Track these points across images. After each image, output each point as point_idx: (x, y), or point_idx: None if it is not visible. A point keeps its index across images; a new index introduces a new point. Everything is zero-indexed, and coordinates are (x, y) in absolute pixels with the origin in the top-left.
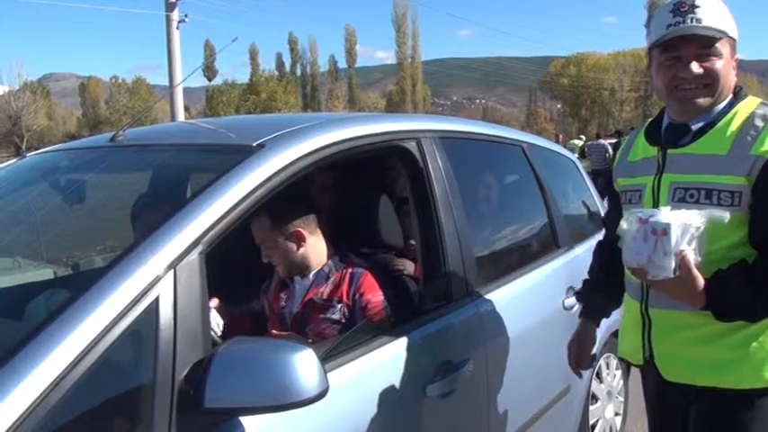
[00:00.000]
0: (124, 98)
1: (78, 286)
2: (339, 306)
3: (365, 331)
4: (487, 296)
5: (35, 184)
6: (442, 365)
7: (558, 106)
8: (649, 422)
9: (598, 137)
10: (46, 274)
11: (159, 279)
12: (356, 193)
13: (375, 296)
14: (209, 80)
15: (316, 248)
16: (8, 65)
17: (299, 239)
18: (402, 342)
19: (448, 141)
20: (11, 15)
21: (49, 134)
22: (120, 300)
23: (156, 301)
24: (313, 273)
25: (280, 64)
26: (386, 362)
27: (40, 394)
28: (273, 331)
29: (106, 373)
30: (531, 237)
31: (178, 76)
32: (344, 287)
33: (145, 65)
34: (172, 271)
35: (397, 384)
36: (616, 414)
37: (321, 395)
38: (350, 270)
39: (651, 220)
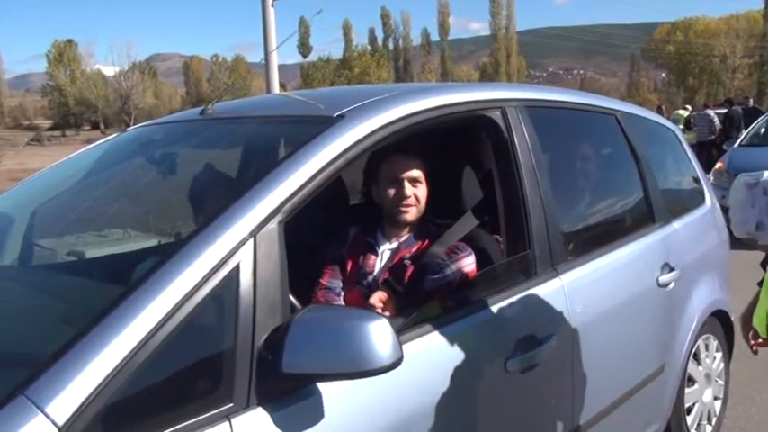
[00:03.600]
0: (224, 76)
1: (165, 253)
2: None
3: (443, 302)
4: (574, 271)
5: (132, 158)
6: (523, 340)
7: (663, 75)
8: None
9: (706, 106)
10: (152, 244)
11: (240, 246)
12: (440, 164)
13: (468, 257)
14: (305, 57)
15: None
16: (118, 46)
17: (429, 189)
18: (482, 314)
19: (534, 111)
20: None
21: (155, 112)
22: (203, 266)
23: (237, 268)
24: (406, 233)
25: (372, 39)
26: (464, 334)
27: (128, 353)
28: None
29: (189, 337)
30: (624, 211)
31: (273, 54)
32: (428, 245)
33: (243, 43)
34: (252, 239)
35: (476, 357)
36: (715, 398)
37: (395, 364)
38: (433, 233)
39: (762, 179)
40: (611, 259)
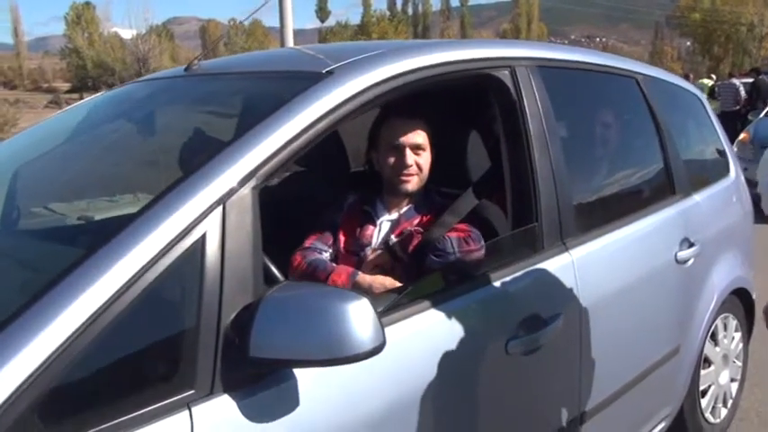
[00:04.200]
0: (241, 40)
1: (120, 222)
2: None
3: (439, 279)
4: (585, 246)
5: (111, 118)
6: (528, 320)
7: (688, 44)
8: None
9: (731, 76)
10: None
11: (206, 215)
12: (444, 128)
13: (478, 251)
14: (322, 22)
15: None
16: (135, 9)
17: (433, 156)
18: (483, 292)
19: (547, 71)
20: None
21: None
22: (163, 236)
23: (203, 238)
24: (407, 204)
25: (392, 4)
26: (462, 312)
27: (72, 334)
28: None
29: (145, 315)
30: (642, 182)
31: (288, 17)
32: (431, 219)
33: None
34: (221, 206)
35: (475, 338)
36: (732, 380)
37: (376, 350)
38: (437, 202)
39: None
40: (625, 233)
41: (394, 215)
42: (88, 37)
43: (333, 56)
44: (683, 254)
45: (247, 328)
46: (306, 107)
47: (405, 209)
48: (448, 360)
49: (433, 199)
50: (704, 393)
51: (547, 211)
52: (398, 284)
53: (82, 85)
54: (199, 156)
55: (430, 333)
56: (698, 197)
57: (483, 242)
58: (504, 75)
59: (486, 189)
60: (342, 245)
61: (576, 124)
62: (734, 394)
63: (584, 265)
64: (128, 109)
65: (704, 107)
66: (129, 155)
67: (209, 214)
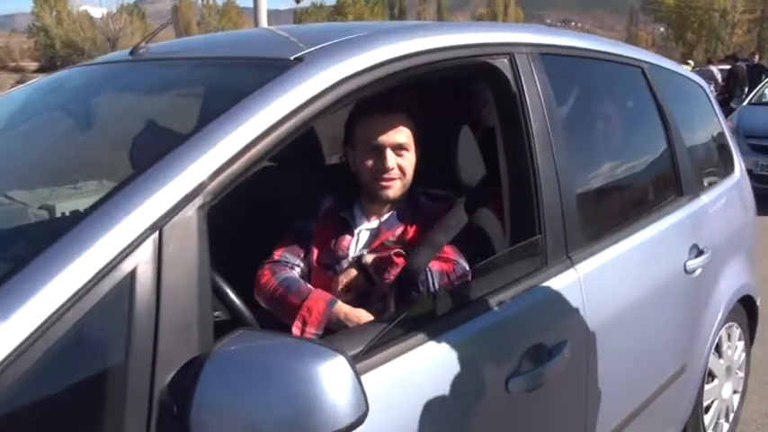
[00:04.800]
0: (215, 20)
1: (18, 261)
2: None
3: (426, 309)
4: (592, 260)
5: (44, 107)
6: (530, 351)
7: (662, 30)
8: None
9: (709, 62)
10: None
11: (136, 245)
12: (431, 123)
13: (454, 261)
14: (297, 2)
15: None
16: None
17: (418, 156)
18: (477, 323)
19: (551, 59)
20: None
21: None
22: (75, 276)
23: (131, 276)
24: (388, 210)
25: None
26: (455, 350)
27: None
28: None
29: (54, 379)
30: (649, 183)
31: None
32: (417, 228)
33: None
34: (156, 233)
35: (470, 380)
36: (734, 392)
37: (356, 424)
38: (425, 210)
39: None
40: (633, 243)
41: (374, 223)
42: (57, 15)
43: (305, 39)
44: (692, 263)
45: (189, 393)
46: (267, 104)
47: (386, 216)
48: (440, 407)
49: (418, 204)
50: (707, 409)
51: (551, 221)
52: (372, 319)
53: (50, 65)
54: (127, 168)
55: (418, 376)
56: (706, 198)
57: (469, 273)
58: (503, 63)
59: (481, 195)
60: (315, 257)
61: (582, 119)
62: (735, 407)
63: (592, 282)
64: (56, 101)
65: (709, 99)
66: (41, 161)
67: (141, 244)
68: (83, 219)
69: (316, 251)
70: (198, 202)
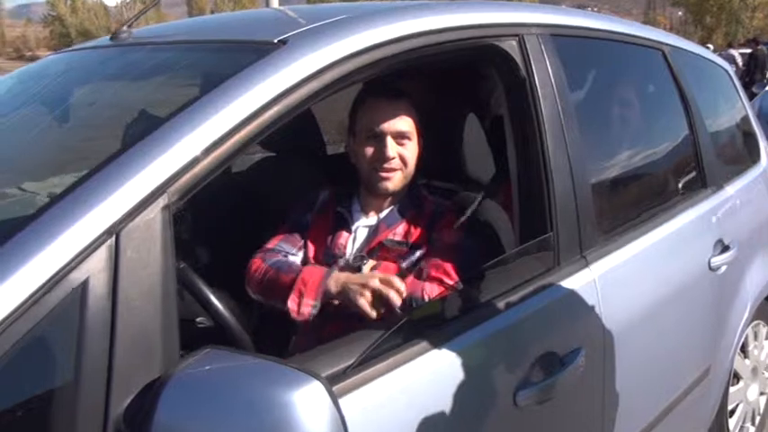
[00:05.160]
0: (228, 7)
1: None
2: (418, 253)
3: (425, 315)
4: (609, 258)
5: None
6: (541, 360)
7: (680, 13)
8: None
9: (729, 46)
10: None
11: (88, 252)
12: (435, 110)
13: (455, 240)
14: None
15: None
16: None
17: (421, 146)
18: (483, 329)
19: (562, 41)
20: None
21: None
22: (16, 290)
23: (83, 287)
24: (388, 205)
25: None
26: (457, 360)
27: None
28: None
29: None
30: (671, 174)
31: None
32: (422, 227)
33: None
34: (112, 238)
35: (474, 393)
36: (761, 394)
37: None
38: (428, 205)
39: None
40: (654, 239)
41: (372, 219)
42: (71, 4)
43: (299, 20)
44: (717, 259)
45: (147, 420)
46: (243, 91)
47: (386, 211)
48: (441, 423)
49: (421, 198)
50: (732, 413)
51: (564, 217)
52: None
53: None
54: (85, 163)
55: (416, 389)
56: (731, 190)
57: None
58: (511, 45)
59: (490, 189)
60: (311, 253)
61: (598, 105)
62: (762, 410)
63: (608, 283)
64: (33, 89)
65: (733, 83)
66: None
67: (94, 251)
68: (26, 225)
69: (312, 247)
70: (162, 202)
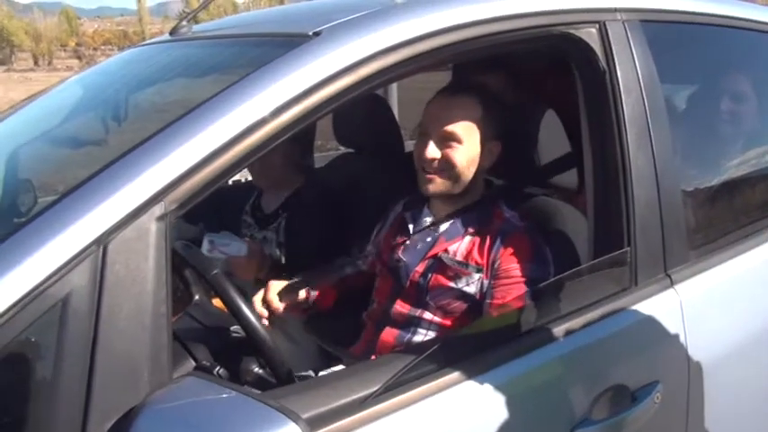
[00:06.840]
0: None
1: None
2: (477, 276)
3: (469, 337)
4: (699, 279)
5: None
6: (607, 393)
7: None
8: None
9: None
10: None
11: (70, 266)
12: (517, 108)
13: (521, 272)
14: None
15: (482, 178)
16: None
17: (492, 154)
18: (537, 356)
19: (655, 27)
20: None
21: None
22: None
23: (63, 304)
24: (454, 215)
25: None
26: (501, 392)
27: None
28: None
29: None
30: None
31: None
32: (485, 247)
33: None
34: (99, 250)
35: (523, 430)
36: None
37: None
38: (497, 221)
39: None
40: (755, 260)
41: (435, 229)
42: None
43: (340, 10)
44: None
45: None
46: (259, 89)
47: (448, 223)
48: None
49: (490, 211)
50: None
51: (644, 230)
52: None
53: None
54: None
55: (453, 423)
56: None
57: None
58: (590, 33)
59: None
60: (381, 253)
61: (697, 103)
62: None
63: (698, 308)
64: (92, 89)
65: None
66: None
67: (77, 264)
68: (9, 235)
69: (383, 247)
70: (158, 210)
